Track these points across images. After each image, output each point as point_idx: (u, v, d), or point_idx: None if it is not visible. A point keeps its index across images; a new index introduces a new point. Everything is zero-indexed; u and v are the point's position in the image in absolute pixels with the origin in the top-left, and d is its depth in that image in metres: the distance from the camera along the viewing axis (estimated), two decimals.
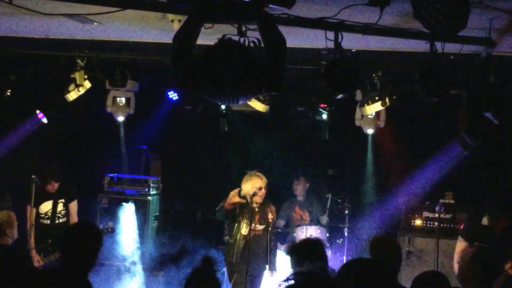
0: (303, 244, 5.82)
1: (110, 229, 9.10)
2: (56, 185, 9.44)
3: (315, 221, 10.42)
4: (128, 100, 9.78)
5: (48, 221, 9.51)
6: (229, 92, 5.09)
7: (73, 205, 9.66)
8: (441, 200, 9.48)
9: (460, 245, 7.90)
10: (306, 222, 10.39)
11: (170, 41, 5.10)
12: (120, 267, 10.11)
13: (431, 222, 9.77)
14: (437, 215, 8.92)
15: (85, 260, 4.68)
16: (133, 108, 9.88)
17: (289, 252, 5.86)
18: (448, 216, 9.67)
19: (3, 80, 9.53)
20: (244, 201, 8.57)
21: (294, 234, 10.24)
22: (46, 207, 9.50)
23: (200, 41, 5.09)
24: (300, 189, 10.83)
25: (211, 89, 5.11)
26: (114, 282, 9.96)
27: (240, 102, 5.78)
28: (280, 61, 5.03)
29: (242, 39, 5.21)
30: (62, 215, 9.59)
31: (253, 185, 8.63)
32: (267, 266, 8.83)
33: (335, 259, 10.00)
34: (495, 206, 8.00)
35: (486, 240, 7.61)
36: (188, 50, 5.05)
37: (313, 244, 5.67)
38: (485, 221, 7.92)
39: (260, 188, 8.65)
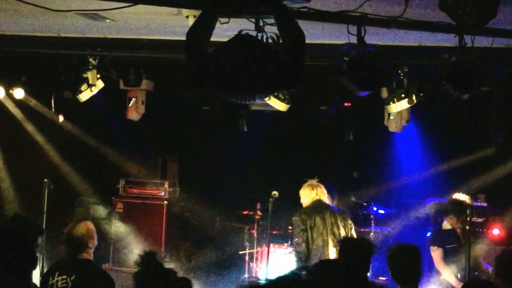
0: None
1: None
2: None
3: None
4: (143, 100, 9.50)
5: None
6: (246, 89, 4.87)
7: None
8: (473, 203, 9.11)
9: (438, 253, 8.07)
10: None
11: None
12: None
13: None
14: (468, 219, 8.57)
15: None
16: (146, 109, 9.61)
17: None
18: (480, 220, 9.29)
19: (14, 80, 9.38)
20: None
21: None
22: None
23: (215, 37, 4.89)
24: None
25: (227, 87, 4.88)
26: None
27: (257, 100, 5.61)
28: (300, 57, 4.84)
29: (260, 34, 5.00)
30: None
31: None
32: None
33: None
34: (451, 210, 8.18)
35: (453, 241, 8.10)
36: (203, 47, 4.86)
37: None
38: (446, 225, 8.22)
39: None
